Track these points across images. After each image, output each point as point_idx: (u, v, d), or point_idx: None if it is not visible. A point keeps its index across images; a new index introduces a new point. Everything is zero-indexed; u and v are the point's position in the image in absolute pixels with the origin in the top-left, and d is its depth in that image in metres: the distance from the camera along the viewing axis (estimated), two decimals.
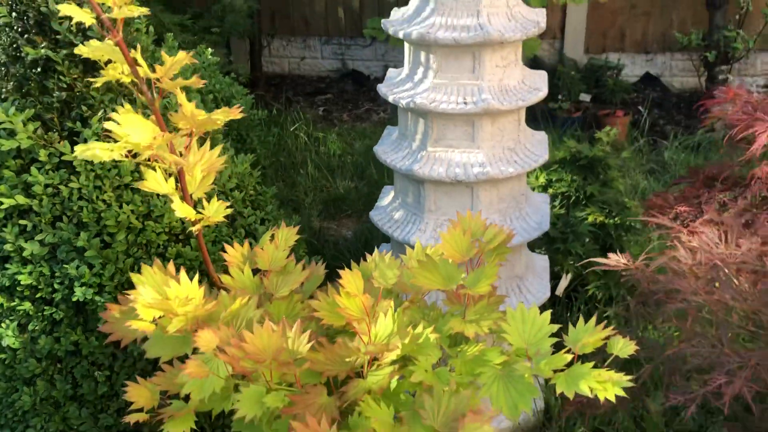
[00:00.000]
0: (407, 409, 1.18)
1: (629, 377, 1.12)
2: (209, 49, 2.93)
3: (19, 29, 1.72)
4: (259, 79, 5.27)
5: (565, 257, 2.50)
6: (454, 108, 1.90)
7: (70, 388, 1.81)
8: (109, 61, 1.19)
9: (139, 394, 1.26)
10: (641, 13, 4.98)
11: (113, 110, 1.38)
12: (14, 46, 1.73)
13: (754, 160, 1.61)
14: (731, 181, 1.71)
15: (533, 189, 2.76)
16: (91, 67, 1.70)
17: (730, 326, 1.30)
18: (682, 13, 4.90)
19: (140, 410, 1.27)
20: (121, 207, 1.73)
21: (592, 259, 1.62)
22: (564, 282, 2.56)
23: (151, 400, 1.27)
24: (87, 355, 1.79)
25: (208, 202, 1.35)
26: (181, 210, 1.27)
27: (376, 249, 1.58)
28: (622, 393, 1.11)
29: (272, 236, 1.49)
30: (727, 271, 1.43)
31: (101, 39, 1.29)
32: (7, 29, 1.73)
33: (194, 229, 1.30)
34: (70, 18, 1.69)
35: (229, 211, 1.34)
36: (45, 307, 1.74)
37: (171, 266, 1.40)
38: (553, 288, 2.50)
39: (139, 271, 1.35)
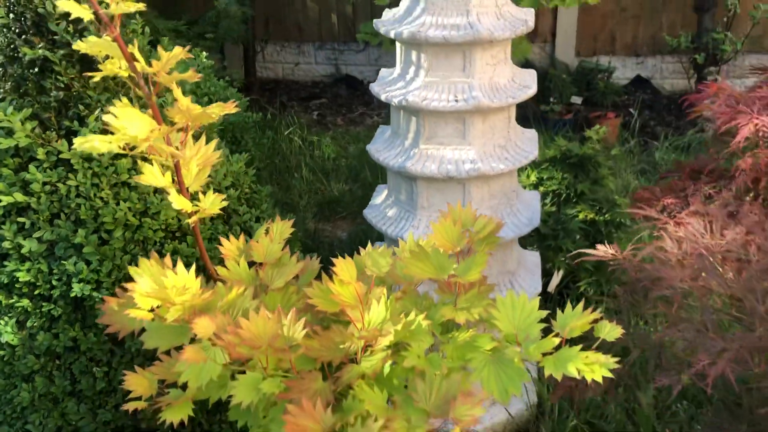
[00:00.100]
0: (400, 394, 1.21)
1: (616, 359, 1.15)
2: (204, 53, 2.96)
3: (17, 30, 1.75)
4: (253, 85, 5.31)
5: (556, 254, 2.54)
6: (446, 106, 1.93)
7: (69, 384, 1.83)
8: (107, 57, 1.22)
9: (138, 382, 1.28)
10: (631, 17, 5.04)
11: None
12: (12, 46, 1.76)
13: (737, 153, 1.65)
14: (716, 174, 1.75)
15: (525, 187, 2.79)
16: (88, 66, 1.73)
17: (715, 312, 1.33)
18: (671, 16, 4.96)
19: (139, 398, 1.30)
20: (118, 204, 1.76)
21: (581, 251, 1.66)
22: (556, 279, 2.59)
23: (150, 388, 1.29)
24: (85, 351, 1.81)
25: (204, 195, 1.38)
26: (178, 202, 1.30)
27: (368, 244, 1.61)
28: (609, 374, 1.14)
29: (267, 230, 1.52)
30: (712, 259, 1.47)
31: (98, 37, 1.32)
32: (4, 30, 1.76)
33: (191, 221, 1.33)
34: (66, 18, 1.73)
35: (225, 203, 1.37)
36: (43, 304, 1.77)
37: (168, 259, 1.43)
38: (545, 285, 2.53)
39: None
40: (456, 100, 1.94)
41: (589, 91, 4.84)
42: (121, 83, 1.81)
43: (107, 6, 1.17)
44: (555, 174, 2.65)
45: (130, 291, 1.29)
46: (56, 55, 1.72)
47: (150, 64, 1.23)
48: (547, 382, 2.34)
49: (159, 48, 1.20)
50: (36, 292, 1.76)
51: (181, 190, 1.33)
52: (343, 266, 1.25)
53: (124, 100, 1.20)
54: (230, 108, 1.30)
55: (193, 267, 1.32)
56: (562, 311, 1.27)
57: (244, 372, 1.24)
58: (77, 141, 1.18)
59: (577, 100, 4.75)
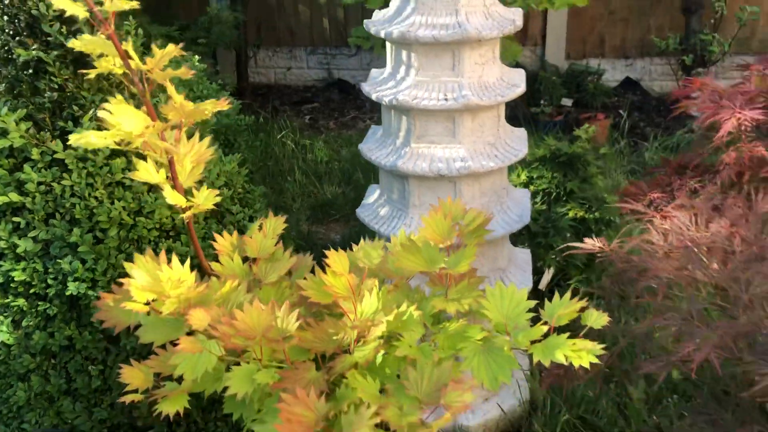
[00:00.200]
0: (392, 383, 1.23)
1: (602, 345, 1.18)
2: (196, 57, 2.98)
3: (11, 32, 1.78)
4: (245, 90, 5.34)
5: (547, 251, 2.57)
6: (436, 104, 1.96)
7: (64, 383, 1.84)
8: (101, 55, 1.24)
9: (134, 375, 1.30)
10: (619, 19, 5.10)
11: None
12: (6, 48, 1.78)
13: (722, 147, 1.68)
14: (702, 169, 1.78)
15: (515, 186, 2.82)
16: (82, 67, 1.75)
17: (699, 300, 1.36)
18: (659, 18, 5.02)
19: (135, 391, 1.31)
20: (113, 203, 1.78)
21: (570, 244, 1.69)
22: (547, 276, 2.62)
23: (146, 381, 1.31)
24: (80, 349, 1.83)
25: (198, 191, 1.40)
26: (173, 198, 1.32)
27: (361, 239, 1.64)
28: (596, 360, 1.17)
29: (260, 226, 1.55)
30: (696, 250, 1.50)
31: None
32: None
33: (185, 215, 1.35)
34: (60, 20, 1.75)
35: (218, 199, 1.39)
36: (39, 303, 1.78)
37: (163, 255, 1.45)
38: (537, 283, 2.56)
39: None
40: (446, 99, 1.96)
41: (579, 93, 4.89)
42: (114, 84, 1.83)
43: (102, 5, 1.19)
44: (545, 173, 2.68)
45: (126, 286, 1.31)
46: (50, 56, 1.74)
47: (144, 63, 1.25)
48: (539, 379, 2.37)
49: (153, 46, 1.22)
50: (31, 291, 1.78)
51: (176, 185, 1.35)
52: (336, 258, 1.28)
53: (119, 97, 1.22)
54: (223, 105, 1.32)
55: (188, 262, 1.34)
56: None
57: (239, 364, 1.26)
58: (73, 137, 1.20)
59: (567, 102, 4.79)
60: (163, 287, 1.23)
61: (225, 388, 1.26)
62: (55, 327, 1.80)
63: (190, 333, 1.31)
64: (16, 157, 1.77)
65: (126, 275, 1.36)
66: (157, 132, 1.24)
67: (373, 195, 2.36)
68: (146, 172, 1.33)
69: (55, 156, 1.75)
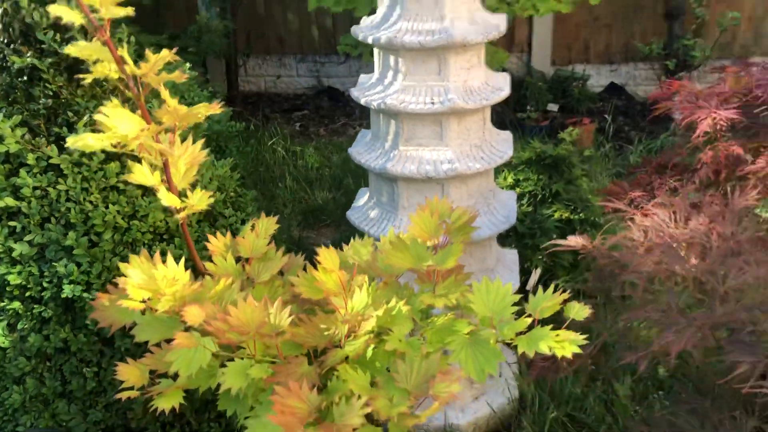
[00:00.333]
0: (382, 375, 1.27)
1: (584, 336, 1.23)
2: (187, 64, 3.02)
3: (5, 40, 1.81)
4: (235, 98, 5.37)
5: (534, 252, 2.62)
6: (423, 108, 2.01)
7: (59, 385, 1.87)
8: (97, 61, 1.28)
9: (130, 372, 1.33)
10: (603, 25, 5.18)
11: None
12: (1, 56, 1.82)
13: (700, 147, 1.74)
14: (681, 168, 1.83)
15: (502, 188, 2.87)
16: (76, 74, 1.79)
17: (678, 293, 1.41)
18: (643, 24, 5.11)
19: (131, 388, 1.34)
20: (107, 207, 1.81)
21: (554, 242, 1.73)
22: (534, 277, 2.67)
23: (141, 378, 1.34)
24: (75, 352, 1.85)
25: (192, 193, 1.44)
26: (167, 199, 1.36)
27: (351, 239, 1.68)
28: (578, 350, 1.22)
29: (253, 226, 1.58)
30: (676, 246, 1.55)
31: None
32: None
33: (179, 216, 1.39)
34: (54, 28, 1.79)
35: (212, 200, 1.43)
36: (34, 306, 1.81)
37: (157, 256, 1.48)
38: (525, 283, 2.61)
39: None
40: (432, 103, 2.01)
41: (564, 99, 4.96)
42: (108, 90, 1.87)
43: (97, 12, 1.23)
44: (531, 175, 2.74)
45: (122, 285, 1.35)
46: (44, 64, 1.77)
47: (139, 68, 1.29)
48: (529, 380, 2.41)
49: (147, 51, 1.27)
50: (27, 295, 1.80)
51: (170, 187, 1.39)
52: (327, 255, 1.32)
53: (115, 101, 1.26)
54: (216, 108, 1.36)
55: (182, 261, 1.38)
56: None
57: (233, 360, 1.30)
58: (71, 140, 1.23)
59: (553, 107, 4.86)
60: (159, 285, 1.27)
61: (219, 386, 1.30)
62: (50, 330, 1.82)
63: (186, 331, 1.34)
64: (12, 163, 1.80)
65: (121, 277, 1.40)
66: (152, 134, 1.28)
67: (363, 198, 2.40)
68: (141, 175, 1.37)
69: (50, 161, 1.78)
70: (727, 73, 1.78)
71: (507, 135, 2.29)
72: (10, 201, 1.76)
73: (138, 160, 1.41)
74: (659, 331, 1.37)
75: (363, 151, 2.21)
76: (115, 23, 1.42)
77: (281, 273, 1.61)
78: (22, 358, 1.84)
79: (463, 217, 1.46)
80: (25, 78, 1.80)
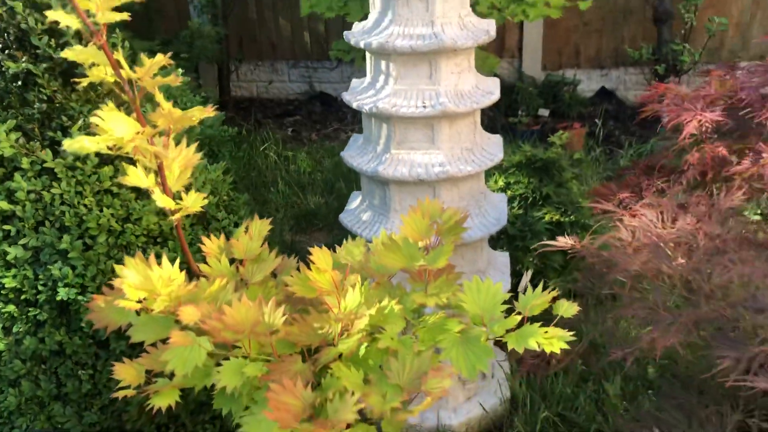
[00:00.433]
0: (375, 373, 1.29)
1: (572, 333, 1.25)
2: (180, 69, 3.04)
3: (0, 45, 1.83)
4: (228, 103, 5.39)
5: (525, 254, 2.65)
6: (414, 111, 2.04)
7: (55, 388, 1.88)
8: (93, 65, 1.30)
9: (126, 372, 1.35)
10: (593, 31, 5.23)
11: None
12: None
13: (686, 148, 1.77)
14: (668, 169, 1.87)
15: (493, 191, 2.90)
16: (70, 79, 1.81)
17: (665, 291, 1.44)
18: (632, 29, 5.17)
19: (127, 387, 1.36)
20: (101, 211, 1.83)
21: (544, 242, 1.76)
22: (525, 279, 2.69)
23: (137, 378, 1.36)
24: (71, 354, 1.86)
25: (186, 195, 1.46)
26: (162, 201, 1.38)
27: (344, 241, 1.70)
28: (566, 346, 1.24)
29: (246, 228, 1.60)
30: (663, 245, 1.58)
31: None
32: None
33: (174, 218, 1.41)
34: (49, 33, 1.81)
35: (206, 201, 1.45)
36: (29, 309, 1.82)
37: (152, 258, 1.50)
38: (516, 285, 2.63)
39: None
40: (424, 106, 2.04)
41: (555, 103, 5.00)
42: (102, 95, 1.89)
43: (92, 17, 1.25)
44: (521, 178, 2.77)
45: (118, 286, 1.36)
46: (39, 69, 1.79)
47: (134, 72, 1.31)
48: (520, 379, 2.44)
49: (142, 55, 1.29)
50: (22, 298, 1.81)
51: (165, 189, 1.41)
52: (320, 255, 1.34)
53: (111, 104, 1.28)
54: (210, 111, 1.38)
55: (177, 262, 1.40)
56: None
57: (228, 359, 1.31)
58: (66, 142, 1.25)
59: (544, 112, 4.91)
60: (155, 285, 1.29)
61: (213, 387, 1.32)
62: (45, 332, 1.83)
63: (181, 330, 1.36)
64: (6, 167, 1.81)
65: (117, 279, 1.41)
66: (147, 137, 1.30)
67: (355, 201, 2.42)
68: (136, 177, 1.39)
69: (44, 165, 1.80)
70: (713, 77, 1.82)
71: (497, 138, 2.32)
72: (4, 205, 1.77)
73: (132, 163, 1.43)
74: (647, 326, 1.40)
75: (355, 155, 2.23)
76: (110, 28, 1.44)
77: (274, 275, 1.63)
78: (17, 361, 1.85)
79: (454, 218, 1.48)
80: (20, 83, 1.82)
